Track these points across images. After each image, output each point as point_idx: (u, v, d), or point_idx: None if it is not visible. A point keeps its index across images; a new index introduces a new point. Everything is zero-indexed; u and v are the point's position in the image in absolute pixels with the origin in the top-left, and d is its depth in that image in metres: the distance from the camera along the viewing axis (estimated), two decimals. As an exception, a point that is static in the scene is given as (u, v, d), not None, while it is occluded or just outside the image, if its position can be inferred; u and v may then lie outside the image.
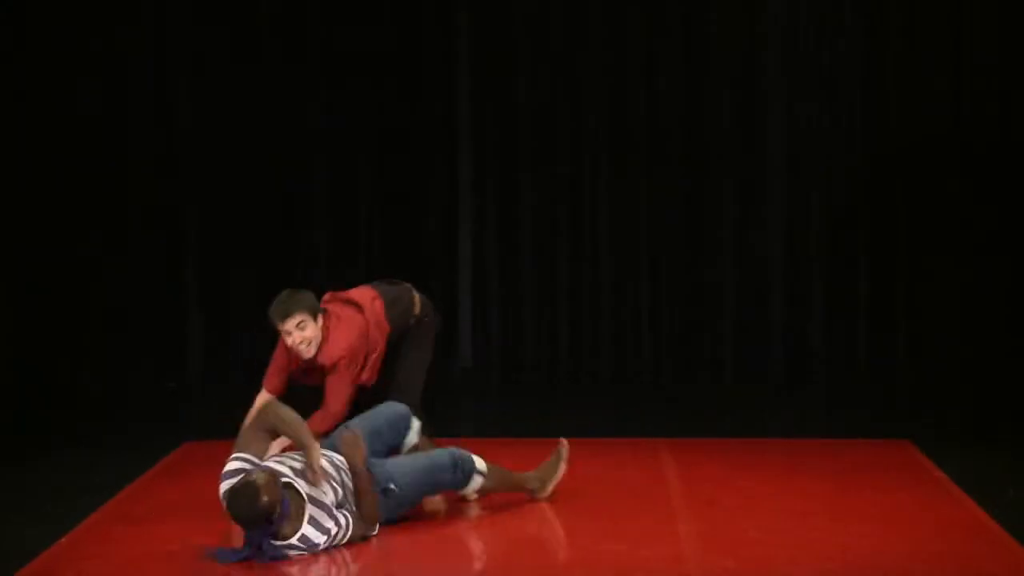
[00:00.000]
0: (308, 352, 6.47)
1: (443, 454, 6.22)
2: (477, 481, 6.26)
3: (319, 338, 6.48)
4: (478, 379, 10.08)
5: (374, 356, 6.69)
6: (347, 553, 5.83)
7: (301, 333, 6.42)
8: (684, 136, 9.99)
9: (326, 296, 6.75)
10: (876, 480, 7.01)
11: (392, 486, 5.98)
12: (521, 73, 10.04)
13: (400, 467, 6.10)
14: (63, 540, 6.02)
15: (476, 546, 6.09)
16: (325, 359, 6.52)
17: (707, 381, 9.94)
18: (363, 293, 6.80)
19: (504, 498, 6.51)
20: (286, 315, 6.43)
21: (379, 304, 6.75)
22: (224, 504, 5.74)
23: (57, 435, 8.47)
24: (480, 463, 6.28)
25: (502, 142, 10.06)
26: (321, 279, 10.01)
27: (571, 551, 5.97)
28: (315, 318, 6.47)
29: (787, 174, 9.94)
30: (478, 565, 5.77)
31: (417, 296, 6.98)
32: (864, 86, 9.87)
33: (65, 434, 8.51)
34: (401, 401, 6.58)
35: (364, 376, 6.66)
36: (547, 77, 10.03)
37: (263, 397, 6.64)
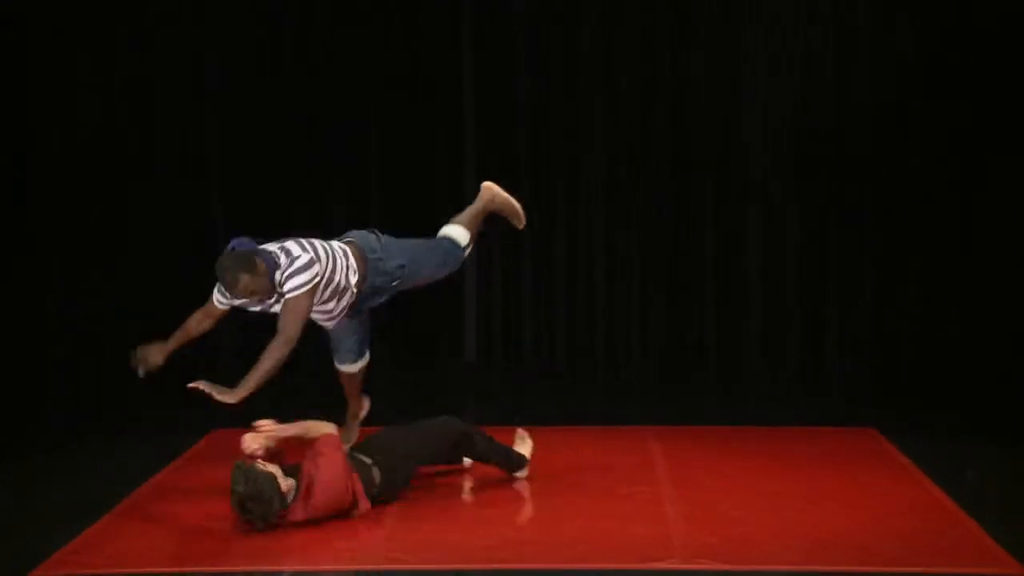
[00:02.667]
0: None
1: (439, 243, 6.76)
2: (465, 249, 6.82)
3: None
4: (481, 372, 10.08)
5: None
6: (355, 528, 5.94)
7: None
8: (672, 144, 9.94)
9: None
10: (845, 465, 7.03)
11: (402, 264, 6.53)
12: (522, 84, 10.00)
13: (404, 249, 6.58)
14: (97, 524, 6.05)
15: (476, 524, 6.08)
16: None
17: (691, 375, 9.90)
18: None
19: (497, 481, 6.61)
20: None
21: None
22: None
23: (86, 423, 8.39)
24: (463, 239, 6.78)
25: (503, 159, 10.03)
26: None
27: (567, 528, 5.96)
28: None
29: (764, 180, 9.90)
30: (478, 542, 5.78)
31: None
32: (839, 76, 9.79)
33: (94, 422, 8.41)
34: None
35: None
36: (547, 85, 9.97)
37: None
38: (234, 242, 6.08)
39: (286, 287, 6.10)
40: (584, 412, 8.79)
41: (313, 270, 6.11)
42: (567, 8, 9.95)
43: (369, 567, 5.50)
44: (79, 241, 9.61)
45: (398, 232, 6.82)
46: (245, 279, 5.98)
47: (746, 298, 9.98)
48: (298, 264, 6.09)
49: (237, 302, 6.26)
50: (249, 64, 9.88)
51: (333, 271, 6.25)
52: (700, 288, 10.02)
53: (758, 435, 7.86)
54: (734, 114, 9.90)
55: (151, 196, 9.78)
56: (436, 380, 9.92)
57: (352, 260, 6.39)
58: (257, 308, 6.29)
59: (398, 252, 6.56)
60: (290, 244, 6.19)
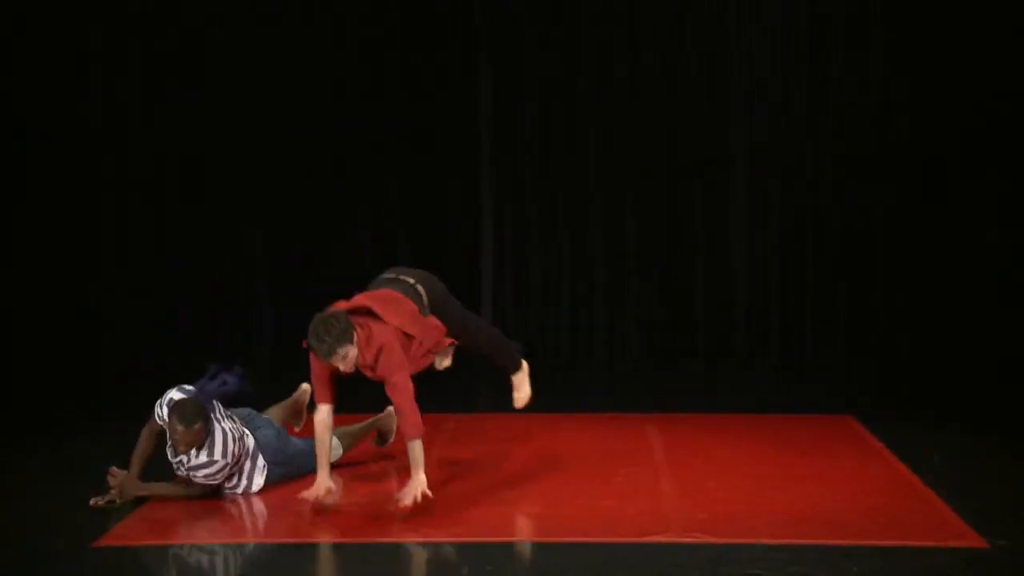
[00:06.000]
0: (351, 369, 5.87)
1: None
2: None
3: (357, 353, 5.84)
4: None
5: (418, 347, 6.08)
6: (370, 506, 5.99)
7: (344, 362, 5.82)
8: (666, 151, 9.97)
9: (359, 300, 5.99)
10: (822, 448, 7.08)
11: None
12: (531, 97, 10.05)
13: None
14: (150, 501, 6.09)
15: (487, 501, 6.09)
16: (379, 371, 5.92)
17: (684, 366, 9.93)
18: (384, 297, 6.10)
19: (509, 463, 6.68)
20: (330, 354, 5.79)
21: (408, 305, 6.10)
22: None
23: (139, 408, 8.27)
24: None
25: (513, 182, 10.10)
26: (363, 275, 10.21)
27: (571, 505, 6.02)
28: (353, 342, 5.80)
29: (747, 187, 9.94)
30: (489, 518, 5.83)
31: (421, 288, 6.27)
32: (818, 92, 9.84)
33: (136, 407, 8.30)
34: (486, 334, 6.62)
35: (420, 364, 6.13)
36: (549, 98, 10.01)
37: (321, 412, 5.97)
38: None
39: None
40: (587, 399, 8.82)
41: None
42: (567, 8, 9.98)
43: (387, 539, 5.56)
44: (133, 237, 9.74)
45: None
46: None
47: (733, 298, 10.02)
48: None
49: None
50: (255, 66, 9.91)
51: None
52: (690, 288, 10.05)
53: (745, 421, 7.90)
54: (722, 113, 9.92)
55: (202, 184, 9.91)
56: (446, 370, 9.93)
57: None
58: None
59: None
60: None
